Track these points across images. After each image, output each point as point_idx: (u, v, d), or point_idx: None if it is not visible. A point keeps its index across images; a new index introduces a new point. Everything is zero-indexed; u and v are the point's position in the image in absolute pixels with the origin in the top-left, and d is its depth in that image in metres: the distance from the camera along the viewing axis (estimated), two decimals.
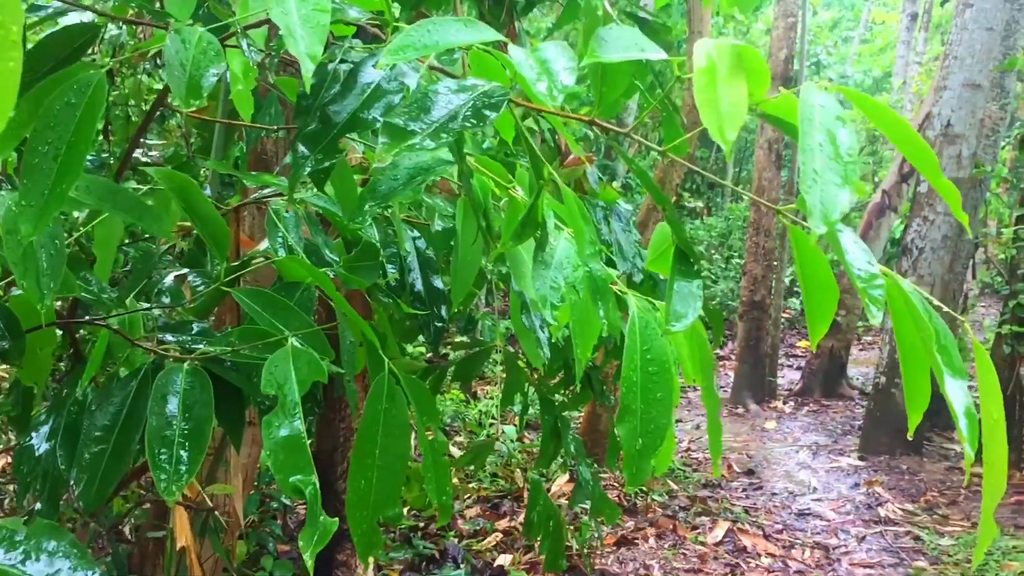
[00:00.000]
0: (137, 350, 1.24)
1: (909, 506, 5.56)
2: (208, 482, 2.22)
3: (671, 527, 5.08)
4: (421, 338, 2.17)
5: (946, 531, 5.11)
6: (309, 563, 0.85)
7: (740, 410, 8.45)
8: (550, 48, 0.92)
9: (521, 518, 4.78)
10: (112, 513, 2.74)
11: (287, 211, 1.43)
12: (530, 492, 3.05)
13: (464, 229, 1.43)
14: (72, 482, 1.18)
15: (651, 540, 4.89)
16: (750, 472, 6.35)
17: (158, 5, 1.31)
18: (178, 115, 3.00)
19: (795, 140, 0.89)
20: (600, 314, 1.08)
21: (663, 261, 1.10)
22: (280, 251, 1.37)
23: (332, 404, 3.05)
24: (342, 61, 1.06)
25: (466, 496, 5.28)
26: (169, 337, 1.21)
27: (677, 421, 7.24)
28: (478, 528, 4.83)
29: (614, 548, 4.77)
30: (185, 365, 1.10)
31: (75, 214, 1.82)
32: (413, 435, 1.27)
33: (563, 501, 4.79)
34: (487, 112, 0.92)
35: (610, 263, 2.12)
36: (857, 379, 9.31)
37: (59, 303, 1.60)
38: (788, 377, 9.75)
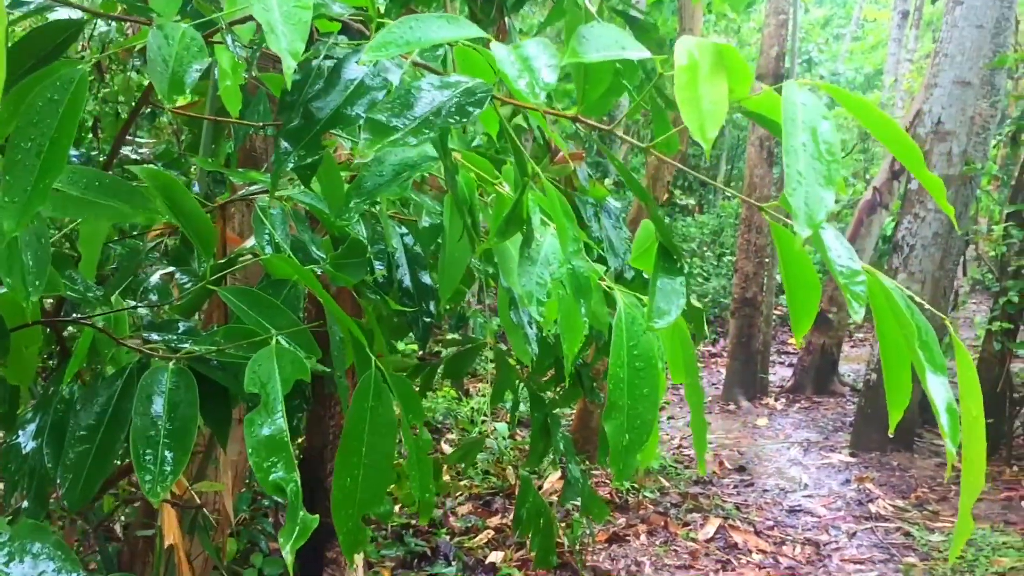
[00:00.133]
0: (122, 349, 1.24)
1: (900, 502, 5.58)
2: (197, 480, 2.22)
3: (662, 524, 5.10)
4: (413, 335, 2.18)
5: (936, 527, 5.13)
6: (289, 559, 0.85)
7: (732, 407, 8.46)
8: (532, 45, 0.92)
9: (513, 515, 4.79)
10: (101, 511, 2.74)
11: (272, 208, 1.43)
12: (520, 489, 3.06)
13: (451, 225, 1.43)
14: (58, 481, 1.18)
15: (642, 537, 4.90)
16: (741, 469, 6.37)
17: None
18: (169, 112, 3.00)
19: (778, 137, 0.90)
20: (583, 311, 1.08)
21: (647, 258, 1.10)
22: (267, 248, 1.37)
23: (322, 401, 3.05)
24: (326, 57, 1.06)
25: (458, 493, 5.29)
26: (155, 336, 1.21)
27: (670, 418, 7.26)
28: (470, 525, 4.84)
29: (605, 545, 4.78)
30: (170, 364, 1.10)
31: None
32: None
33: (555, 498, 4.79)
34: (470, 108, 0.92)
35: (602, 260, 2.12)
36: (849, 376, 9.34)
37: (50, 301, 1.60)
38: (780, 374, 9.77)
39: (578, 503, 3.10)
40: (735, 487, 5.96)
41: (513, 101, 1.02)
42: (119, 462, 1.67)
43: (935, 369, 0.91)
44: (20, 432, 1.30)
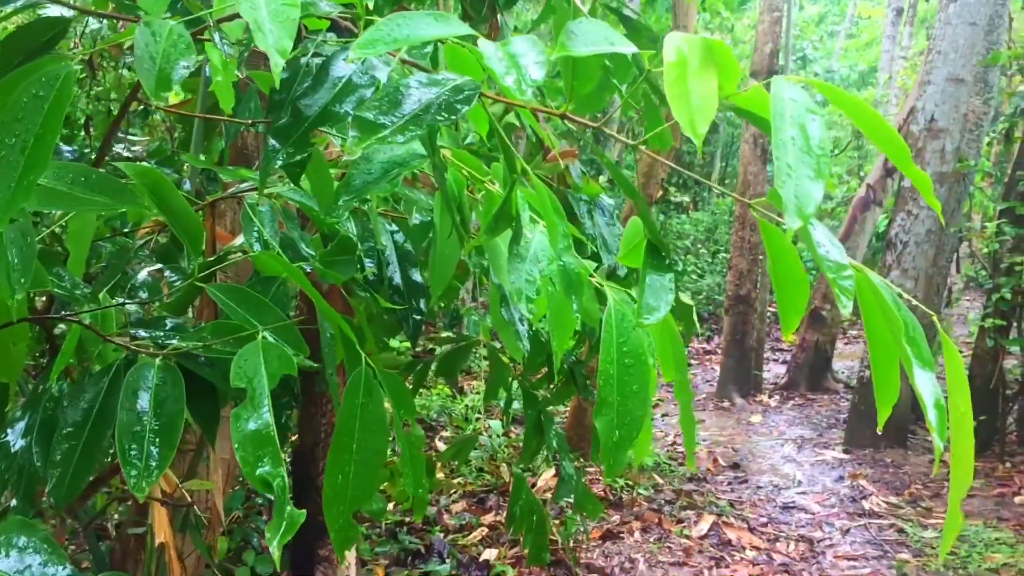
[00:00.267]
0: (109, 346, 1.23)
1: (893, 499, 5.59)
2: (188, 478, 2.22)
3: (656, 521, 5.10)
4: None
5: (929, 523, 5.15)
6: (276, 555, 0.85)
7: (726, 404, 8.48)
8: (520, 42, 0.92)
9: (506, 513, 4.79)
10: (93, 510, 2.73)
11: (261, 205, 1.42)
12: (513, 486, 3.06)
13: (442, 223, 1.43)
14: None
15: (636, 534, 4.91)
16: (735, 466, 6.38)
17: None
18: (162, 110, 2.99)
19: (766, 133, 0.89)
20: (574, 308, 1.08)
21: (635, 255, 1.10)
22: (255, 246, 1.37)
23: (314, 399, 3.04)
24: (315, 55, 1.05)
25: (452, 491, 5.29)
26: (142, 333, 1.20)
27: (664, 415, 7.26)
28: (464, 523, 4.84)
29: (599, 542, 4.79)
30: (157, 361, 1.10)
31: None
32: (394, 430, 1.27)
33: (549, 495, 4.80)
34: (459, 106, 0.92)
35: (596, 257, 2.12)
36: (842, 373, 9.36)
37: (42, 299, 1.59)
38: (774, 371, 9.79)
39: (572, 500, 3.10)
40: (729, 484, 5.97)
41: (502, 98, 1.02)
42: (109, 459, 1.67)
43: (923, 365, 0.91)
44: (9, 430, 1.30)
